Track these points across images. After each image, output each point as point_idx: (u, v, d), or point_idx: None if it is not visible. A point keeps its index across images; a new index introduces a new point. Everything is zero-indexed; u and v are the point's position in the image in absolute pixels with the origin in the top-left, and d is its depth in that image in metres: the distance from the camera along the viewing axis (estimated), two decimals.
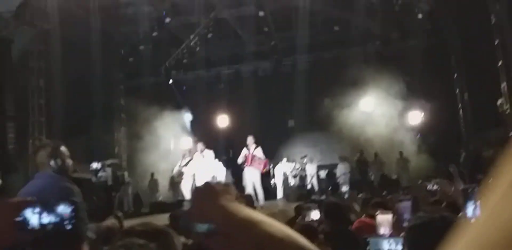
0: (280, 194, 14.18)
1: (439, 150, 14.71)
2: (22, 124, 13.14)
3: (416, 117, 16.31)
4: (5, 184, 9.13)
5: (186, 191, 9.99)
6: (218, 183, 1.00)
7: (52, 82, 13.85)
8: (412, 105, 16.07)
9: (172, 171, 10.34)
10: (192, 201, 0.97)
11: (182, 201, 10.09)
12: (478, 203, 1.98)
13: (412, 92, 15.85)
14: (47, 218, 1.33)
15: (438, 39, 16.22)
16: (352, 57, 17.21)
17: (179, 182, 10.04)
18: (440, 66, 15.99)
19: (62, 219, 1.33)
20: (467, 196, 2.00)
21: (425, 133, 15.92)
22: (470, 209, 2.00)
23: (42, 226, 1.31)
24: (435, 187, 5.83)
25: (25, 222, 1.28)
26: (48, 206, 1.32)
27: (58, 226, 1.32)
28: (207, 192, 0.95)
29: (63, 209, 1.34)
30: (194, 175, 10.09)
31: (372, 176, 15.01)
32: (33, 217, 1.31)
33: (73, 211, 1.32)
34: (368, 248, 2.37)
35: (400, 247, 2.34)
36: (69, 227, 1.32)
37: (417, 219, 1.70)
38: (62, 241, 1.81)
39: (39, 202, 1.33)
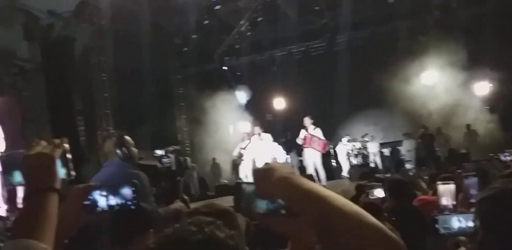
0: (343, 173, 14.09)
1: (509, 120, 13.88)
2: (89, 117, 13.89)
3: (482, 88, 15.43)
4: (78, 175, 9.73)
5: (246, 173, 10.14)
6: (276, 162, 1.01)
7: (114, 76, 14.47)
8: (478, 76, 15.19)
9: (233, 154, 10.53)
10: (255, 179, 0.99)
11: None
12: None
13: (477, 62, 14.95)
14: (113, 200, 1.42)
15: (506, 4, 15.09)
16: (409, 30, 16.46)
17: (239, 164, 10.23)
18: (506, 33, 14.89)
19: (126, 200, 1.41)
20: None
21: (493, 104, 15.05)
22: None
23: (109, 207, 1.40)
24: (508, 158, 5.53)
25: (93, 205, 1.37)
26: (112, 189, 1.40)
27: (123, 207, 1.41)
28: (268, 170, 0.98)
29: (126, 191, 1.42)
30: (253, 158, 10.21)
31: (439, 152, 14.45)
32: (100, 199, 1.40)
33: (134, 192, 1.39)
34: (436, 226, 2.28)
35: (471, 223, 2.24)
36: (133, 207, 1.40)
37: (490, 190, 1.62)
38: (130, 222, 1.91)
39: (104, 186, 1.42)
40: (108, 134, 3.63)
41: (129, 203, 1.41)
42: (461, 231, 2.23)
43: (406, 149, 15.02)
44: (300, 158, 12.49)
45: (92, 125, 13.88)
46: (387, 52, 15.73)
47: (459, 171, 4.66)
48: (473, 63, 15.08)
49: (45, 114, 13.35)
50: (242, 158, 10.39)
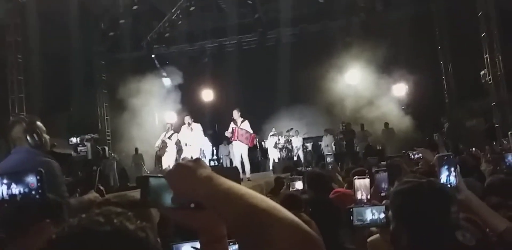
0: (268, 166, 14.37)
1: (423, 121, 14.93)
2: (1, 100, 12.88)
3: (400, 89, 16.43)
4: None
5: (169, 164, 9.96)
6: (188, 160, 0.97)
7: (31, 57, 13.51)
8: (397, 77, 16.15)
9: (155, 145, 10.22)
10: (170, 180, 0.95)
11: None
12: (454, 170, 2.00)
13: (396, 64, 15.88)
14: (15, 189, 1.32)
15: (423, 10, 16.15)
16: (336, 29, 17.09)
17: (162, 155, 9.97)
18: (425, 38, 15.98)
19: (29, 189, 1.32)
20: (442, 163, 2.02)
21: (409, 104, 16.08)
22: (443, 175, 2.02)
23: (10, 196, 1.30)
24: (417, 156, 5.91)
25: None
26: (15, 177, 1.31)
27: (26, 195, 1.32)
28: (182, 170, 0.94)
29: (31, 179, 1.33)
30: (180, 148, 10.05)
31: (357, 147, 15.20)
32: (2, 188, 1.30)
33: (39, 181, 1.31)
34: (351, 217, 2.40)
35: (382, 215, 2.38)
36: (37, 196, 1.31)
37: (403, 184, 1.72)
38: (35, 210, 1.79)
39: (5, 174, 1.33)
40: (17, 118, 3.36)
41: (33, 192, 1.33)
42: (373, 222, 2.35)
43: (325, 143, 15.73)
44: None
45: (3, 109, 12.89)
46: (315, 50, 16.22)
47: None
48: (392, 65, 16.00)
49: None
50: (166, 148, 10.10)
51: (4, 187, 1.34)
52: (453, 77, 15.76)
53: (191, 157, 1.06)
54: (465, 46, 13.98)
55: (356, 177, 3.02)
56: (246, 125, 9.49)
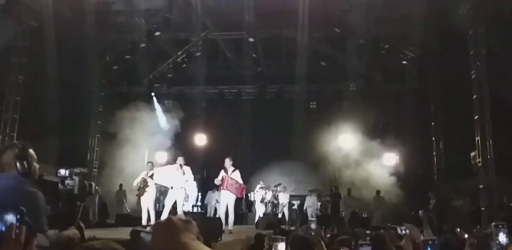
0: (252, 220, 13.98)
1: (411, 193, 14.86)
2: None
3: (391, 158, 16.52)
4: None
5: (146, 204, 9.61)
6: (180, 219, 0.98)
7: (32, 80, 13.52)
8: (388, 146, 16.31)
9: (134, 183, 9.83)
10: (154, 235, 0.97)
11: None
12: None
13: (389, 133, 16.11)
14: None
15: (420, 86, 16.69)
16: (334, 92, 17.51)
17: (141, 195, 9.57)
18: (419, 112, 16.38)
19: (6, 227, 1.23)
20: (426, 247, 2.07)
21: (398, 175, 16.09)
22: None
23: None
24: (404, 232, 5.78)
25: None
26: None
27: (2, 234, 1.23)
28: (169, 228, 0.96)
29: (10, 217, 1.25)
30: (161, 189, 9.76)
31: (343, 212, 14.97)
32: None
33: (18, 220, 1.22)
34: None
35: None
36: (13, 236, 1.22)
37: None
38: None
39: None
40: (10, 144, 3.26)
41: (11, 230, 1.23)
42: None
43: (309, 204, 15.47)
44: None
45: None
46: (312, 109, 16.50)
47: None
48: (385, 134, 16.24)
49: None
50: (146, 188, 9.75)
51: None
52: (443, 155, 15.94)
53: (184, 215, 1.03)
54: (458, 126, 14.27)
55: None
56: (236, 175, 9.36)
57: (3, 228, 1.24)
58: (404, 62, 16.42)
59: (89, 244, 2.00)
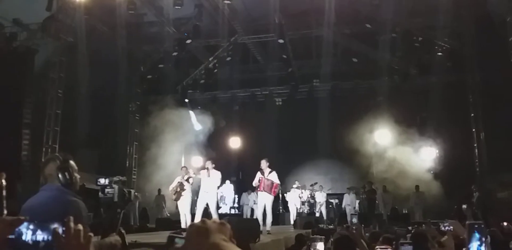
0: (290, 220, 13.99)
1: (452, 188, 14.43)
2: (37, 132, 13.30)
3: (430, 153, 16.11)
4: (14, 193, 9.12)
5: (183, 208, 9.74)
6: (214, 221, 1.01)
7: (71, 94, 14.09)
8: (427, 141, 15.92)
9: (170, 188, 9.96)
10: (187, 237, 0.99)
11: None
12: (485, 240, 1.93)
13: (427, 127, 15.72)
14: (40, 235, 1.32)
15: (457, 77, 16.19)
16: (369, 89, 17.26)
17: (178, 200, 9.69)
18: (457, 104, 15.88)
19: (53, 236, 1.32)
20: (473, 231, 1.95)
21: (438, 169, 15.67)
22: (474, 244, 1.94)
23: (34, 242, 1.30)
24: (447, 228, 5.64)
25: (17, 238, 1.27)
26: (42, 224, 1.31)
27: (49, 243, 1.32)
28: (202, 230, 0.98)
29: (57, 227, 1.33)
30: (195, 192, 9.84)
31: (382, 209, 14.72)
32: (27, 233, 1.30)
33: (64, 232, 1.31)
34: None
35: None
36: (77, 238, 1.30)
37: None
38: None
39: (33, 220, 1.32)
40: (52, 156, 3.44)
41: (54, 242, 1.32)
42: None
43: (347, 202, 15.27)
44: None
45: (37, 140, 13.28)
46: (345, 107, 16.32)
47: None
48: (423, 128, 15.85)
49: None
50: (182, 192, 9.89)
51: (29, 232, 1.34)
52: (485, 146, 15.38)
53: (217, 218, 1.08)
54: (499, 116, 13.78)
55: (378, 247, 2.92)
56: (273, 176, 9.39)
57: (50, 237, 1.34)
58: (439, 53, 15.97)
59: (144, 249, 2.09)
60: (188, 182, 9.71)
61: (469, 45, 15.69)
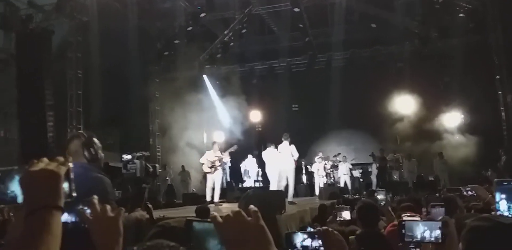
0: (315, 191, 14.11)
1: (479, 153, 14.20)
2: (60, 113, 13.49)
3: (455, 118, 15.82)
4: None
5: (215, 182, 9.88)
6: (252, 207, 0.99)
7: (89, 73, 14.18)
8: (451, 106, 15.59)
9: (205, 161, 10.09)
10: (220, 230, 0.97)
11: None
12: None
13: (451, 92, 15.36)
14: (67, 217, 1.32)
15: (480, 39, 15.63)
16: (389, 55, 16.86)
17: (213, 172, 9.82)
18: (482, 67, 15.38)
19: (80, 218, 1.32)
20: (501, 189, 1.85)
21: (464, 134, 15.41)
22: (502, 203, 1.85)
23: (63, 224, 1.30)
24: (470, 193, 5.56)
25: None
26: (67, 205, 1.30)
27: (75, 225, 1.32)
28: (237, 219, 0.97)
29: (82, 208, 1.34)
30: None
31: (407, 177, 14.67)
32: None
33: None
34: (403, 231, 2.28)
35: (438, 231, 2.23)
36: (85, 226, 1.32)
37: (483, 220, 1.57)
38: (83, 241, 1.77)
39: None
40: (76, 133, 3.46)
41: (83, 223, 1.33)
42: (427, 239, 2.21)
43: (374, 172, 15.22)
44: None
45: (62, 122, 13.49)
46: (365, 75, 16.00)
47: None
48: (446, 93, 15.49)
49: (13, 106, 12.91)
50: (218, 166, 10.05)
51: None
52: None
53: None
54: None
55: (405, 215, 2.87)
56: (293, 149, 9.48)
57: (78, 219, 1.33)
58: (461, 15, 15.39)
59: (165, 222, 2.11)
60: (223, 161, 9.98)
61: (491, 4, 15.05)
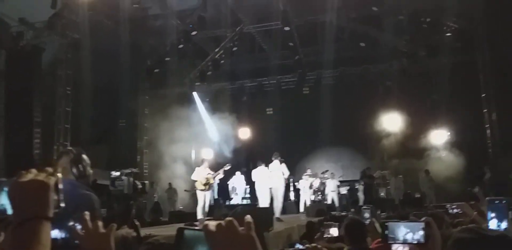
0: (300, 208, 14.07)
1: (465, 170, 14.34)
2: (48, 130, 13.41)
3: (442, 136, 15.99)
4: None
5: (207, 199, 9.81)
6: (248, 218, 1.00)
7: (79, 90, 14.16)
8: (437, 123, 15.78)
9: (194, 179, 10.01)
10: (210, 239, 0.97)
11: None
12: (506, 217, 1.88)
13: (438, 110, 15.58)
14: (57, 234, 1.33)
15: (467, 58, 15.96)
16: (378, 73, 17.09)
17: (207, 189, 9.75)
18: (468, 85, 15.67)
19: (71, 235, 1.33)
20: (492, 207, 1.88)
21: (451, 152, 15.56)
22: (493, 222, 1.89)
23: (52, 241, 1.31)
24: (455, 211, 5.61)
25: None
26: (58, 222, 1.32)
27: (66, 241, 1.33)
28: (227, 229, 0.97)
29: (73, 225, 1.35)
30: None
31: (394, 194, 14.71)
32: None
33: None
34: (386, 232, 2.29)
35: (421, 232, 2.24)
36: (76, 242, 1.33)
37: (467, 232, 1.60)
38: None
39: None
40: (65, 150, 3.46)
41: (73, 239, 1.34)
42: (410, 240, 2.23)
43: (361, 188, 15.26)
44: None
45: (49, 138, 13.40)
46: (354, 93, 16.20)
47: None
48: (433, 111, 15.71)
49: (1, 122, 12.82)
50: (210, 184, 9.98)
51: None
52: (497, 127, 15.21)
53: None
54: (510, 95, 13.59)
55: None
56: (283, 167, 9.52)
57: (68, 235, 1.35)
58: (448, 34, 15.74)
59: (154, 239, 2.12)
60: (214, 179, 9.93)
61: (478, 24, 15.43)
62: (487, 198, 1.98)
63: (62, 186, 1.24)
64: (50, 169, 1.25)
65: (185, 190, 14.99)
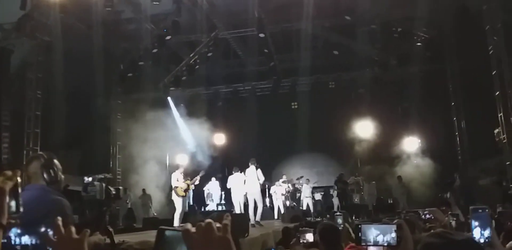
0: (275, 214, 14.08)
1: (436, 176, 14.67)
2: (16, 134, 13.01)
3: (413, 143, 16.32)
4: None
5: (184, 205, 9.74)
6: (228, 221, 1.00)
7: (50, 94, 13.82)
8: (409, 131, 16.12)
9: (175, 185, 9.89)
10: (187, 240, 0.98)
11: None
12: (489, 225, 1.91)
13: (409, 117, 15.92)
14: (28, 239, 1.29)
15: (437, 67, 16.42)
16: (351, 81, 17.38)
17: (185, 195, 9.65)
18: (438, 94, 16.12)
19: (42, 241, 1.29)
20: (475, 216, 1.92)
21: (422, 159, 15.90)
22: (476, 230, 1.93)
23: (23, 247, 1.26)
24: (428, 216, 5.73)
25: (7, 243, 1.23)
26: (29, 228, 1.27)
27: (37, 247, 1.29)
28: (210, 228, 0.99)
29: (45, 230, 1.31)
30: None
31: (367, 200, 14.89)
32: (15, 238, 1.26)
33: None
34: (359, 234, 2.32)
35: (393, 234, 2.28)
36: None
37: (435, 237, 1.62)
38: None
39: (22, 224, 1.28)
40: (37, 154, 3.36)
41: (45, 245, 1.30)
42: (382, 242, 2.24)
43: (335, 194, 15.40)
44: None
45: (18, 143, 13.00)
46: (328, 100, 16.41)
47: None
48: (404, 119, 16.06)
49: None
50: (188, 190, 9.88)
51: (17, 236, 1.29)
52: (466, 134, 15.66)
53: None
54: (478, 104, 14.02)
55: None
56: (259, 173, 9.54)
57: (39, 241, 1.30)
58: (419, 44, 16.16)
59: (127, 245, 2.06)
60: (194, 184, 9.88)
61: (447, 35, 15.90)
62: (471, 207, 2.02)
63: (21, 190, 1.18)
64: (9, 173, 1.18)
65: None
